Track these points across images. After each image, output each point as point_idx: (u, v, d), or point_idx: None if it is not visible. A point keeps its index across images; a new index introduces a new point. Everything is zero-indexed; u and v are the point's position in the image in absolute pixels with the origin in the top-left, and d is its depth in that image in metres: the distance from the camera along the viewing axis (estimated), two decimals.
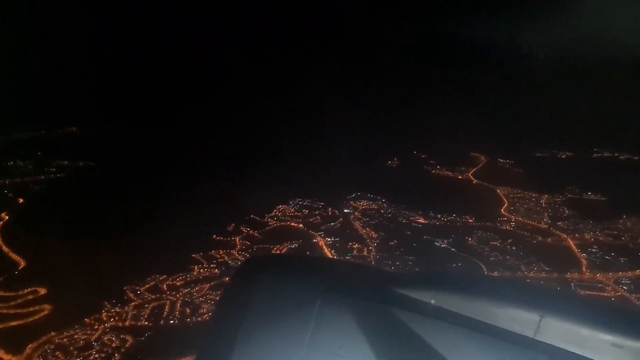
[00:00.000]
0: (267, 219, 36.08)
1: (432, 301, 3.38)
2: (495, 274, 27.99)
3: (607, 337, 3.03)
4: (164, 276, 26.52)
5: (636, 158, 53.79)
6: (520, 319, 3.22)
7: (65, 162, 43.03)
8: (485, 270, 28.06)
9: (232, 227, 34.13)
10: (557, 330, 3.14)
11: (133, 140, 52.63)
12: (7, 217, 31.94)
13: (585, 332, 3.09)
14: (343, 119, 58.71)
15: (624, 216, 35.29)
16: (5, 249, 28.18)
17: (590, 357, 3.01)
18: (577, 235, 33.06)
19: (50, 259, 26.39)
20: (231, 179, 41.40)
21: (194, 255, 29.06)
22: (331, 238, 33.17)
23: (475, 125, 60.56)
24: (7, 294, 24.12)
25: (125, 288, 25.17)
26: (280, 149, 51.03)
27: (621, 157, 54.98)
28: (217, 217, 34.99)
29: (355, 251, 31.28)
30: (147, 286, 25.70)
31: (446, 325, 3.11)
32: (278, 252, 30.71)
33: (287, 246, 31.65)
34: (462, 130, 61.73)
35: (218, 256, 29.68)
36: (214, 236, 32.60)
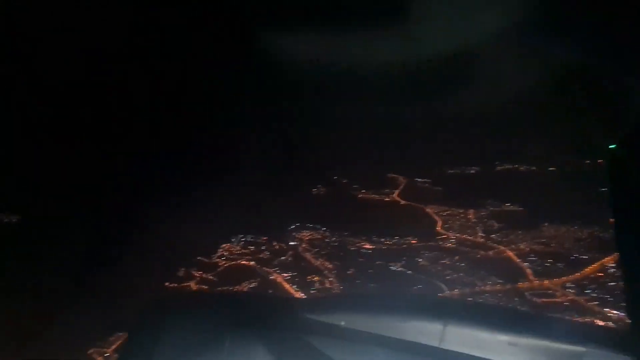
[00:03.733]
0: (215, 259, 34.74)
1: (342, 323, 3.86)
2: (456, 291, 29.43)
3: (504, 338, 3.68)
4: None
5: (534, 168, 59.50)
6: (425, 330, 3.76)
7: None
8: (446, 289, 29.40)
9: (182, 272, 32.40)
10: (459, 337, 3.74)
11: (34, 182, 48.05)
12: None
13: (485, 335, 3.70)
14: (251, 149, 58.65)
15: (546, 224, 38.69)
16: None
17: (490, 358, 3.59)
18: (512, 246, 35.70)
19: (2, 324, 23.11)
20: (158, 218, 39.37)
21: None
22: (288, 273, 32.72)
23: (384, 146, 63.58)
24: None
25: (90, 351, 22.88)
26: (196, 184, 49.49)
27: (521, 168, 60.54)
28: (162, 263, 33.05)
29: (317, 284, 31.20)
30: (113, 347, 23.52)
31: (358, 345, 3.59)
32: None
33: (246, 286, 30.73)
34: (372, 152, 64.42)
35: None
36: (167, 284, 30.75)
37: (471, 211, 43.84)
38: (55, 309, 25.68)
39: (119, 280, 28.62)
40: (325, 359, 3.31)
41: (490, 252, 34.81)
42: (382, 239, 37.45)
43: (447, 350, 3.57)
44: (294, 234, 39.19)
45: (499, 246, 35.71)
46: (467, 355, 3.41)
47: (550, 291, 29.09)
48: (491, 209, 44.48)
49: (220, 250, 35.21)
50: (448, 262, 32.83)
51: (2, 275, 29.13)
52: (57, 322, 24.20)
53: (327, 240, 37.63)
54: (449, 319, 3.69)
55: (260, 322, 3.70)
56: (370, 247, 36.19)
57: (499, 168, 61.37)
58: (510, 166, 60.42)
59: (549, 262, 32.34)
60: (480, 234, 38.22)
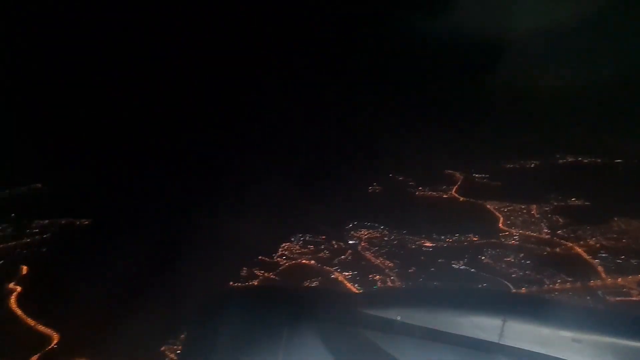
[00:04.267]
0: (276, 258, 35.39)
1: (398, 317, 3.55)
2: (523, 290, 28.74)
3: (567, 334, 3.33)
4: None
5: (599, 161, 56.97)
6: (483, 326, 3.43)
7: (46, 221, 40.45)
8: (513, 288, 28.74)
9: (245, 271, 33.21)
10: (519, 333, 3.39)
11: (102, 190, 50.26)
12: (20, 288, 29.59)
13: (546, 331, 3.35)
14: (306, 150, 59.04)
15: (615, 218, 37.13)
16: (31, 322, 26.11)
17: (553, 355, 3.25)
18: (581, 242, 34.45)
19: (82, 327, 24.53)
20: (220, 219, 40.33)
21: None
22: (348, 272, 32.91)
23: (439, 142, 62.49)
24: None
25: (162, 348, 23.89)
26: (256, 185, 50.28)
27: (585, 160, 58.09)
28: (225, 263, 33.95)
29: (379, 283, 31.23)
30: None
31: (413, 340, 3.30)
32: None
33: (308, 285, 31.08)
34: (427, 148, 63.42)
35: None
36: (231, 283, 31.60)
37: (534, 206, 42.49)
38: (126, 309, 26.79)
39: (186, 280, 29.62)
40: (380, 353, 3.16)
41: (558, 249, 33.61)
42: (443, 237, 36.89)
43: (506, 346, 3.36)
44: (352, 232, 39.22)
45: (567, 242, 34.43)
46: (527, 351, 3.32)
47: (625, 289, 27.85)
48: (555, 203, 42.91)
49: (281, 249, 35.73)
50: (513, 260, 31.96)
51: (76, 274, 30.72)
52: (129, 321, 25.26)
53: (386, 238, 37.43)
54: (509, 314, 3.44)
55: (317, 316, 3.53)
56: (431, 245, 35.72)
57: (560, 161, 58.96)
58: (573, 159, 57.97)
59: (622, 259, 30.92)
60: (545, 230, 36.97)
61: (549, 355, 3.28)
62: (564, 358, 3.25)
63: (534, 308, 3.93)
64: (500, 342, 3.32)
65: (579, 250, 33.30)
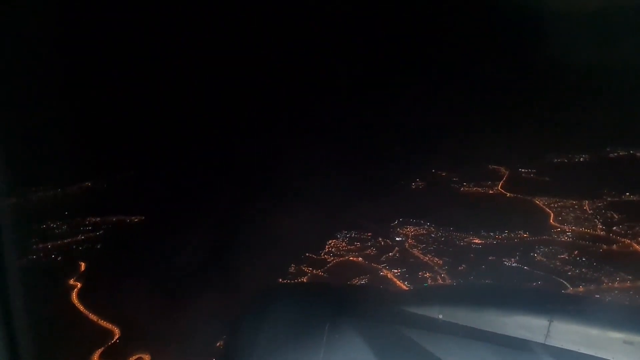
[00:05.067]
0: (323, 255, 35.53)
1: (440, 316, 3.52)
2: (581, 289, 27.97)
3: (618, 335, 3.15)
4: None
5: None
6: (529, 325, 3.33)
7: (98, 219, 41.77)
8: (570, 286, 28.00)
9: (293, 268, 33.49)
10: (567, 333, 3.26)
11: (150, 187, 51.46)
12: (79, 284, 30.64)
13: (595, 332, 3.20)
14: (347, 147, 58.88)
15: None
16: (93, 317, 27.07)
17: (602, 356, 3.12)
18: (639, 239, 33.29)
19: (141, 322, 25.35)
20: (266, 216, 40.73)
21: None
22: (397, 269, 32.74)
23: (481, 137, 61.33)
24: None
25: (218, 344, 24.30)
26: (299, 183, 50.44)
27: (638, 154, 56.03)
28: (273, 260, 34.27)
29: (429, 280, 30.95)
30: None
31: (456, 339, 3.23)
32: None
33: (356, 282, 31.09)
34: (470, 143, 62.37)
35: None
36: (280, 280, 31.88)
37: (586, 202, 41.22)
38: (181, 304, 27.29)
39: (238, 277, 30.01)
40: (421, 352, 3.12)
41: (614, 246, 32.52)
42: (492, 233, 36.20)
43: (551, 347, 3.29)
44: (398, 229, 38.94)
45: (624, 239, 33.28)
46: (576, 352, 3.25)
47: None
48: (609, 199, 41.53)
49: (327, 246, 35.82)
50: (567, 257, 31.08)
51: (131, 270, 31.51)
52: (184, 317, 25.74)
53: (432, 235, 37.02)
54: (555, 314, 3.33)
55: (359, 314, 3.55)
56: (480, 241, 35.12)
57: (611, 155, 57.01)
58: (625, 152, 55.96)
59: None
60: (600, 227, 35.82)
61: (597, 357, 3.13)
62: None
63: (583, 308, 3.88)
64: (546, 343, 3.25)
65: (638, 247, 32.15)
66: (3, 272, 3.06)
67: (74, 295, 29.17)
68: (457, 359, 3.05)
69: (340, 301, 3.78)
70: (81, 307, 27.68)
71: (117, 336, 25.49)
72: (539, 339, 3.30)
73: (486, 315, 3.44)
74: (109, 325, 26.44)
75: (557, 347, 3.24)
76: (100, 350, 24.15)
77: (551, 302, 3.82)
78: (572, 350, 3.23)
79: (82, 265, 32.94)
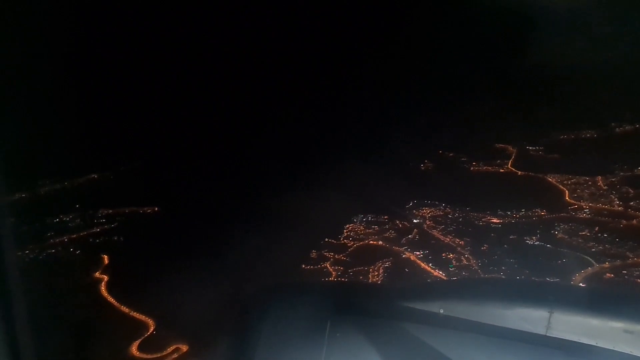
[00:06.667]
0: (343, 240, 35.47)
1: (441, 310, 3.55)
2: (606, 265, 28.14)
3: (618, 325, 3.19)
4: None
5: None
6: (530, 317, 3.34)
7: (110, 211, 41.42)
8: (595, 263, 28.17)
9: (314, 254, 33.43)
10: (568, 324, 3.29)
11: (161, 177, 51.02)
12: (106, 277, 30.40)
13: (595, 322, 3.23)
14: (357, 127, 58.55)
15: None
16: (125, 309, 27.04)
17: (603, 346, 3.14)
18: None
19: (177, 313, 25.32)
20: (283, 201, 40.47)
21: None
22: (419, 252, 32.78)
23: (484, 116, 61.20)
24: (152, 355, 23.57)
25: None
26: (310, 167, 50.09)
27: None
28: (293, 246, 34.15)
29: (453, 262, 31.01)
30: None
31: (456, 333, 3.23)
32: (375, 273, 30.23)
33: (380, 266, 31.14)
34: (473, 122, 62.21)
35: None
36: (303, 266, 31.88)
37: (599, 178, 41.31)
38: (206, 294, 27.20)
39: (261, 264, 29.89)
40: (423, 346, 3.10)
41: (634, 221, 32.68)
42: (509, 212, 36.26)
43: (552, 338, 3.31)
44: (414, 211, 38.92)
45: None
46: (576, 342, 3.26)
47: None
48: (622, 174, 41.64)
49: (346, 230, 35.77)
50: (589, 234, 31.22)
51: (154, 262, 31.34)
52: (213, 307, 25.66)
53: (450, 216, 37.05)
54: (555, 306, 3.36)
55: (360, 310, 3.58)
56: (498, 221, 35.19)
57: (618, 130, 57.03)
58: (632, 126, 55.97)
59: None
60: (617, 202, 35.96)
61: (598, 347, 3.14)
62: (614, 349, 3.12)
63: (583, 299, 3.89)
64: (547, 334, 3.28)
65: None
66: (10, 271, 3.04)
67: (102, 288, 29.13)
68: (458, 353, 3.06)
69: (340, 298, 3.82)
70: (112, 300, 27.63)
71: (152, 328, 25.47)
72: (540, 330, 3.34)
73: (487, 309, 3.46)
74: (142, 317, 26.40)
75: (558, 338, 3.28)
76: (137, 342, 24.21)
77: (551, 294, 3.87)
78: (573, 341, 3.23)
79: (105, 258, 32.72)
